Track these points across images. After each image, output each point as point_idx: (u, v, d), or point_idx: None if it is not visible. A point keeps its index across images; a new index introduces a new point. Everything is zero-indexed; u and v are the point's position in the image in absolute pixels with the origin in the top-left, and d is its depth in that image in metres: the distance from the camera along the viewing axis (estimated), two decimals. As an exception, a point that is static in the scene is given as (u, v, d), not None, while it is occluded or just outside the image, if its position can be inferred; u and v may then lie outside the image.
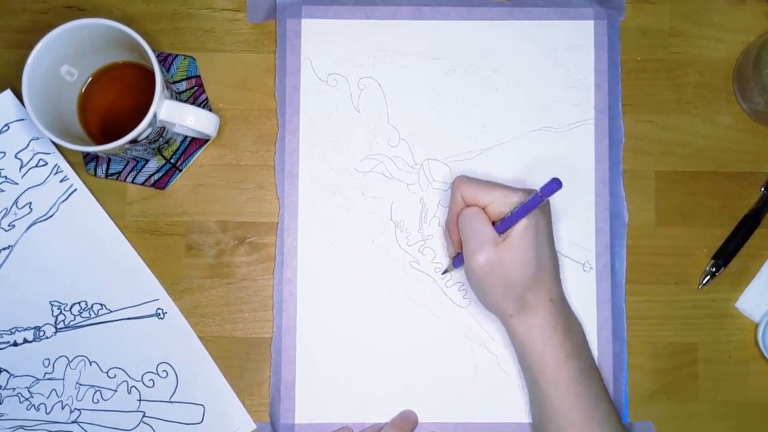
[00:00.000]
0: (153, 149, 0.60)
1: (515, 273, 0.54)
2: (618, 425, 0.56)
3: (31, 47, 0.54)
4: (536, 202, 0.53)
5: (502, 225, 0.54)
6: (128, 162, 0.63)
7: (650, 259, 0.63)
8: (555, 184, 0.52)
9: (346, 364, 0.62)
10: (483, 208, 0.56)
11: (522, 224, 0.54)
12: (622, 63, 0.64)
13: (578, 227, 0.62)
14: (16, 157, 0.62)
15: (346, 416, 0.61)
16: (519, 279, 0.54)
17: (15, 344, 0.62)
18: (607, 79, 0.63)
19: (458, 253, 0.59)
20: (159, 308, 0.62)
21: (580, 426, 0.54)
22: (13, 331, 0.62)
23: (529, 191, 0.55)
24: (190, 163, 0.63)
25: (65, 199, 0.62)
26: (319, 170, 0.63)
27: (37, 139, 0.62)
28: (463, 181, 0.57)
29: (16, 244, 0.62)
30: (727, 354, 0.63)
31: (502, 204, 0.55)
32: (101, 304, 0.62)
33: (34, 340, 0.62)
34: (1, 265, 0.62)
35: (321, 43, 0.63)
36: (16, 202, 0.62)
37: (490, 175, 0.62)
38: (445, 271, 0.62)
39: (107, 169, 0.63)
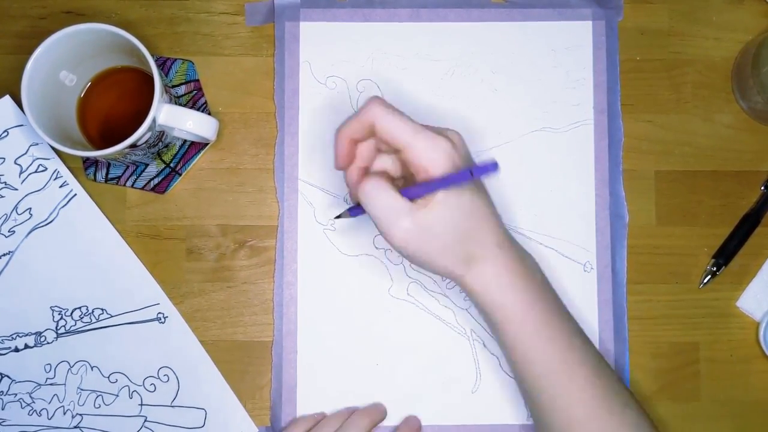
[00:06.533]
0: (152, 153, 0.60)
1: (447, 233, 0.49)
2: (596, 358, 0.53)
3: (30, 53, 0.54)
4: (463, 178, 0.48)
5: (418, 190, 0.49)
6: (128, 166, 0.63)
7: (651, 259, 0.63)
8: (491, 168, 0.47)
9: (348, 367, 0.62)
10: (397, 150, 0.50)
11: (444, 192, 0.49)
12: (620, 63, 0.64)
13: (578, 228, 0.62)
14: (15, 162, 0.62)
15: (348, 419, 0.61)
16: (453, 237, 0.50)
17: (16, 350, 0.61)
18: (606, 79, 0.63)
19: (358, 205, 0.55)
20: (160, 312, 0.62)
21: (558, 371, 0.51)
22: (14, 336, 0.62)
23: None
24: (190, 167, 0.63)
25: (65, 205, 0.62)
26: (318, 173, 0.63)
27: (37, 144, 0.62)
28: (381, 107, 0.50)
29: (16, 249, 0.62)
30: (728, 353, 0.63)
31: (425, 157, 0.49)
32: (102, 309, 0.62)
33: (35, 345, 0.62)
34: (2, 270, 0.62)
35: (319, 45, 0.63)
36: (15, 207, 0.62)
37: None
38: (339, 216, 0.58)
39: (107, 174, 0.63)
